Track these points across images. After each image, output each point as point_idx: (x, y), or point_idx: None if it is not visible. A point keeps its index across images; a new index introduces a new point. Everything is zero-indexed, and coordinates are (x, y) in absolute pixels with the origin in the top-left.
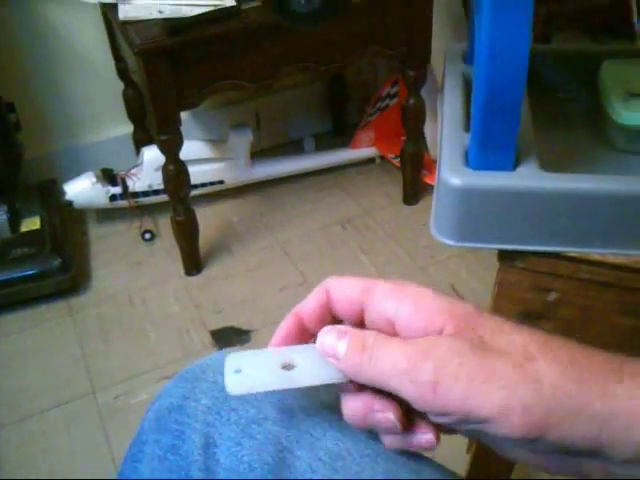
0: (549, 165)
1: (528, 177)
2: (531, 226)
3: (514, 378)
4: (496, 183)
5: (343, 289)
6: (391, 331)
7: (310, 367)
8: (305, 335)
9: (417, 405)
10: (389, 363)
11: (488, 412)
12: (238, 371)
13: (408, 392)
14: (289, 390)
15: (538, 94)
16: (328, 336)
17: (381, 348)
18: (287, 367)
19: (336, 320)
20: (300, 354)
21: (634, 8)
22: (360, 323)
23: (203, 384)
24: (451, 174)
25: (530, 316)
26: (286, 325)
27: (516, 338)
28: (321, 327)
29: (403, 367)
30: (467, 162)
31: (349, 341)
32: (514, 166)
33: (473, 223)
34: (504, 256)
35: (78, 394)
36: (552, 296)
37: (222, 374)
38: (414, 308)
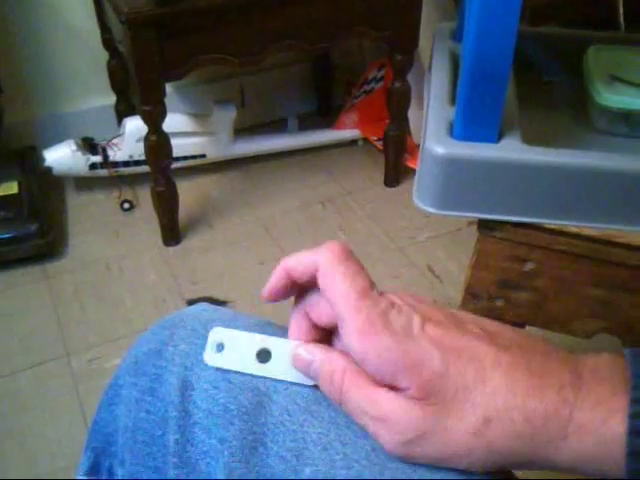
0: (531, 142)
1: (511, 149)
2: (511, 197)
3: (472, 446)
4: (479, 154)
5: (326, 291)
6: None
7: (285, 364)
8: (295, 286)
9: None
10: (358, 408)
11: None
12: (220, 346)
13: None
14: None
15: (523, 75)
16: (300, 356)
17: (350, 395)
18: (264, 356)
19: None
20: (279, 348)
21: (620, 2)
22: None
23: (181, 331)
24: (435, 143)
25: (506, 286)
26: (276, 280)
27: (479, 402)
28: (309, 282)
29: (371, 431)
30: (452, 133)
31: (319, 370)
32: (497, 138)
33: (455, 192)
34: (484, 225)
35: (51, 357)
36: (528, 266)
37: (201, 323)
38: (379, 362)
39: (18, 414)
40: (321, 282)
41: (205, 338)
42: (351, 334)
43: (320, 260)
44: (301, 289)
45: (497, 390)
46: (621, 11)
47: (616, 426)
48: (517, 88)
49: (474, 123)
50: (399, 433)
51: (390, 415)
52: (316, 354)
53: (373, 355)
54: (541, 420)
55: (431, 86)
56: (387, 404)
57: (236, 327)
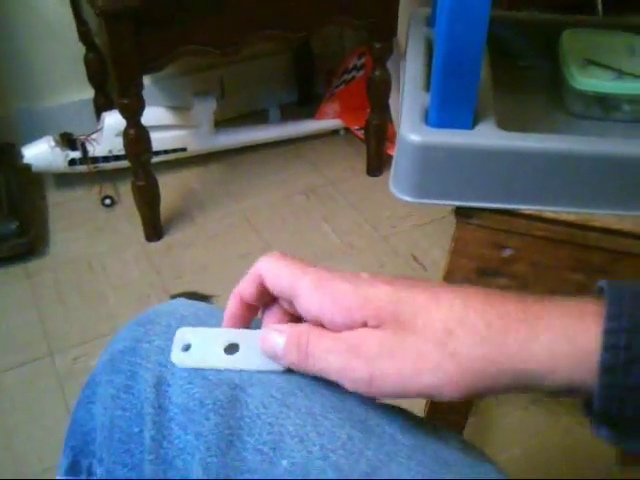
0: (507, 127)
1: (486, 135)
2: (488, 183)
3: (438, 358)
4: (454, 140)
5: (274, 280)
6: (321, 323)
7: (253, 353)
8: (253, 310)
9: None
10: (325, 363)
11: (421, 392)
12: (187, 346)
13: (347, 386)
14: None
15: (498, 61)
16: (268, 336)
17: (315, 348)
18: (232, 349)
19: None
20: (246, 339)
21: None
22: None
23: (157, 327)
24: (411, 131)
25: (485, 272)
26: (231, 308)
27: (435, 316)
28: (264, 302)
29: (337, 367)
30: (427, 120)
31: (285, 340)
32: (472, 125)
33: (431, 180)
34: (461, 213)
35: (35, 356)
36: (507, 252)
37: (176, 319)
38: (333, 305)
39: (3, 414)
40: (268, 282)
41: None
42: (305, 294)
43: (259, 266)
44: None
45: (453, 304)
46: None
47: (588, 341)
48: (493, 73)
49: (449, 110)
50: (364, 352)
51: (353, 340)
52: (282, 328)
53: (329, 301)
54: (504, 321)
55: (406, 72)
56: (349, 334)
57: (211, 323)
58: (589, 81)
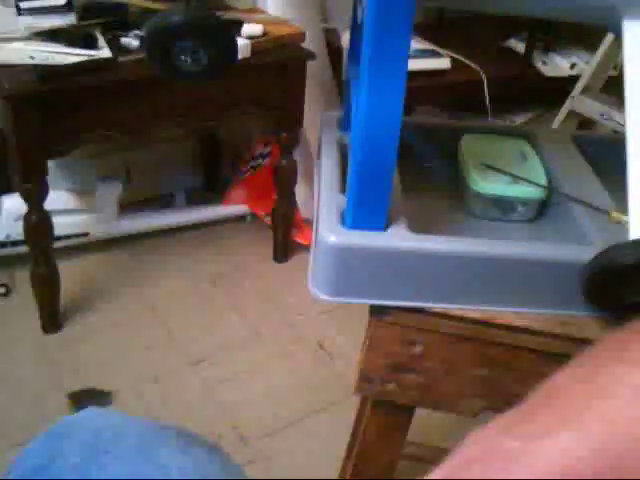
0: (416, 228)
1: (397, 237)
2: (399, 282)
3: None
4: (368, 242)
5: None
6: None
7: None
8: None
9: None
10: None
11: None
12: None
13: None
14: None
15: (405, 163)
16: None
17: None
18: None
19: None
20: None
21: (486, 89)
22: None
23: (71, 442)
24: (328, 232)
25: (397, 368)
26: None
27: None
28: None
29: None
30: (343, 222)
31: None
32: (385, 227)
33: (347, 279)
34: (375, 311)
35: None
36: (418, 349)
37: (91, 432)
38: None
39: None
40: None
41: (96, 449)
42: None
43: None
44: None
45: None
46: (487, 96)
47: None
48: (400, 175)
49: (363, 213)
50: None
51: None
52: None
53: None
54: None
55: (321, 175)
56: None
57: (127, 434)
58: (487, 185)
